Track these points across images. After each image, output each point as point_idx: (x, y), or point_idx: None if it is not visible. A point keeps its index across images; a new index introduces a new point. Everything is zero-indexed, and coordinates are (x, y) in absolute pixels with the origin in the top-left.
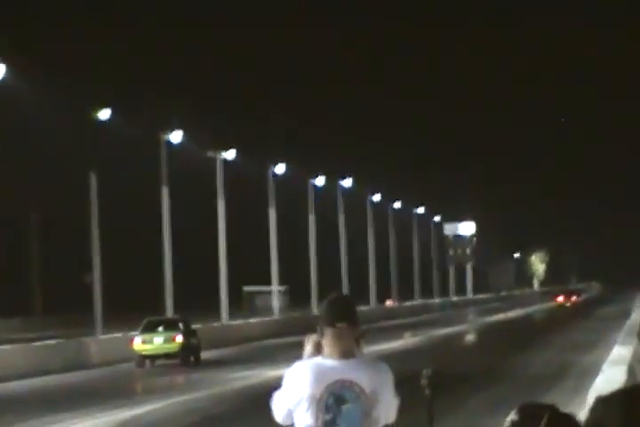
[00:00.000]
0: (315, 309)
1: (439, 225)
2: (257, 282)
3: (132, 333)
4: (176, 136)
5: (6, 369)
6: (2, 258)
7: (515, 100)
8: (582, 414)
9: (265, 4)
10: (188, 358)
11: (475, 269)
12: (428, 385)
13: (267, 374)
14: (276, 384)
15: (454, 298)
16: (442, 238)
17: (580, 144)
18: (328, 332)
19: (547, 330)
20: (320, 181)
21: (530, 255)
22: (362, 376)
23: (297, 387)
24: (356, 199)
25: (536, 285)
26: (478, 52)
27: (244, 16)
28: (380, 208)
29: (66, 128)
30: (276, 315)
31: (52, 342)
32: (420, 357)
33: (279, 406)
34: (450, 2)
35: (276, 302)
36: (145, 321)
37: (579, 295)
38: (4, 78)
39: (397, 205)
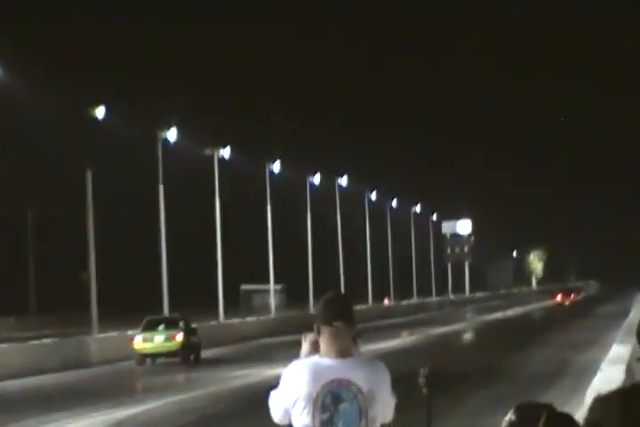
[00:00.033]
0: (312, 307)
1: (437, 223)
2: (255, 281)
3: (131, 331)
4: (173, 134)
5: (2, 368)
6: (0, 257)
7: (515, 100)
8: (580, 414)
9: (265, 4)
10: (188, 356)
11: (473, 268)
12: (425, 384)
13: (264, 372)
14: (273, 383)
15: (452, 296)
16: (440, 237)
17: (580, 144)
18: (325, 331)
19: (545, 328)
20: (318, 179)
21: (528, 254)
22: (359, 375)
23: (294, 386)
24: (353, 198)
25: (534, 283)
26: (478, 52)
27: (244, 16)
28: (378, 206)
29: (64, 127)
30: (274, 314)
31: (49, 340)
32: (418, 355)
33: (276, 405)
34: (450, 2)
35: (273, 301)
36: (145, 320)
37: (577, 294)
38: (3, 78)
39: (395, 203)
